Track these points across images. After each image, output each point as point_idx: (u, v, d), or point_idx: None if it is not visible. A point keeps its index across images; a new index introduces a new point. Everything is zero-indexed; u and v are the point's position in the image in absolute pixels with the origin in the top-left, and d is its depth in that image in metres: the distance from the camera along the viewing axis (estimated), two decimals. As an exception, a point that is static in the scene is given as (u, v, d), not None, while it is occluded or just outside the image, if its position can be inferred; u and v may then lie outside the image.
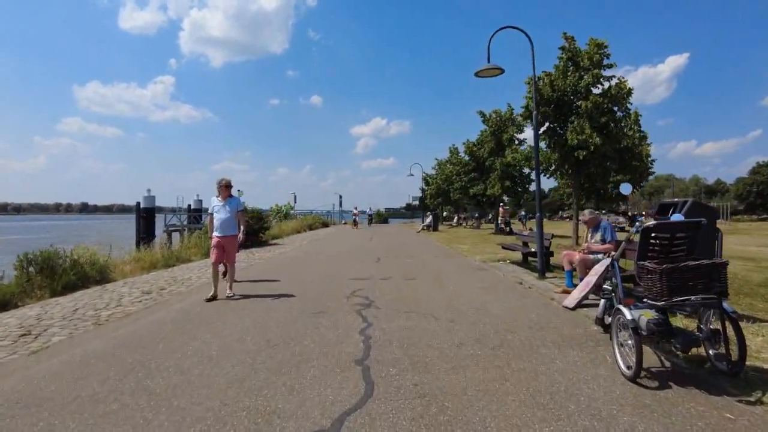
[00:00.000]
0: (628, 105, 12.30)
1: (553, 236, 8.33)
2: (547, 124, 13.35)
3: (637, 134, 11.71)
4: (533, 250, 8.58)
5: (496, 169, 20.95)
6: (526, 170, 22.01)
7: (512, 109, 21.87)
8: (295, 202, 45.16)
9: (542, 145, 13.98)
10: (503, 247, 10.10)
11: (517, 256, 10.39)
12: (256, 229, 16.98)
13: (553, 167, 13.53)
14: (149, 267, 10.23)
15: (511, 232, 22.51)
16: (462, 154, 24.46)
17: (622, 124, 12.25)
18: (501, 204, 25.72)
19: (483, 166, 21.95)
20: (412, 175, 37.44)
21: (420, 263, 10.29)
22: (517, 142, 21.69)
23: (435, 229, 26.44)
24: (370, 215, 36.40)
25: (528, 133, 22.98)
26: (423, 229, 26.99)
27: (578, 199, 13.77)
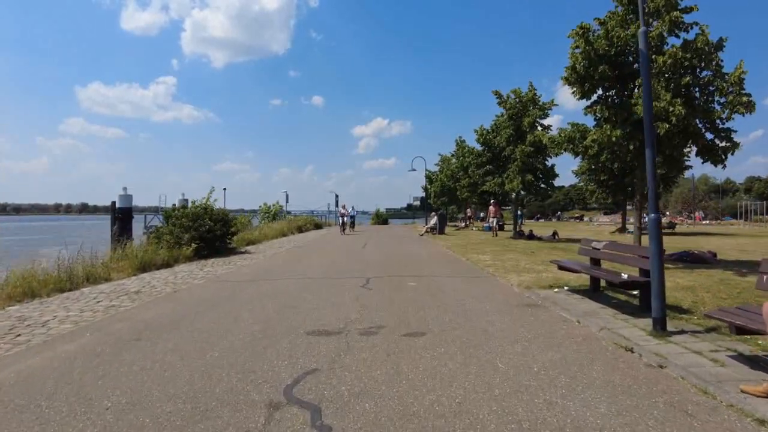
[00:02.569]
0: (719, 62, 8.76)
1: (666, 253, 4.81)
2: (599, 91, 9.83)
3: (743, 99, 8.15)
4: (625, 277, 5.03)
5: (516, 159, 17.39)
6: (550, 161, 18.50)
7: (534, 90, 18.34)
8: (287, 202, 41.87)
9: (589, 120, 10.47)
10: (559, 267, 6.52)
11: (579, 280, 6.88)
12: (218, 234, 13.49)
13: (604, 150, 9.94)
14: (20, 295, 6.75)
15: (532, 236, 19.00)
16: (473, 144, 20.77)
17: (712, 87, 8.68)
18: (492, 201, 21.92)
19: (499, 156, 18.40)
20: (414, 169, 33.90)
21: (430, 290, 6.78)
22: (540, 128, 18.16)
23: (441, 231, 22.90)
24: (352, 216, 27.82)
25: (555, 119, 19.32)
26: (427, 231, 23.48)
27: (643, 195, 10.21)
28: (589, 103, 9.89)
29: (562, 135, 10.44)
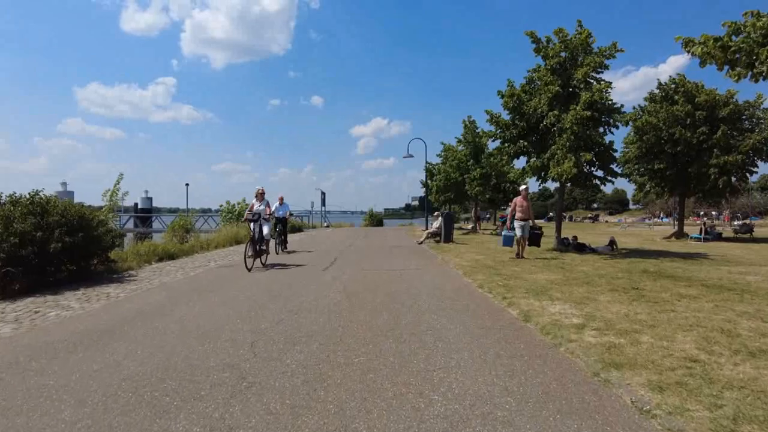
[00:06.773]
0: None
1: None
2: None
3: None
4: None
5: (565, 129, 11.38)
6: (608, 136, 12.44)
7: (587, 31, 12.32)
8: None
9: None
10: None
11: None
12: (52, 249, 7.43)
13: None
14: None
15: (581, 247, 13.02)
16: (498, 112, 14.35)
17: None
18: (522, 188, 11.57)
19: (537, 128, 12.40)
20: (411, 155, 27.52)
21: None
22: (597, 84, 12.17)
23: (448, 239, 16.79)
24: (278, 218, 13.16)
25: (627, 66, 13.12)
26: (428, 237, 17.39)
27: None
28: None
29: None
